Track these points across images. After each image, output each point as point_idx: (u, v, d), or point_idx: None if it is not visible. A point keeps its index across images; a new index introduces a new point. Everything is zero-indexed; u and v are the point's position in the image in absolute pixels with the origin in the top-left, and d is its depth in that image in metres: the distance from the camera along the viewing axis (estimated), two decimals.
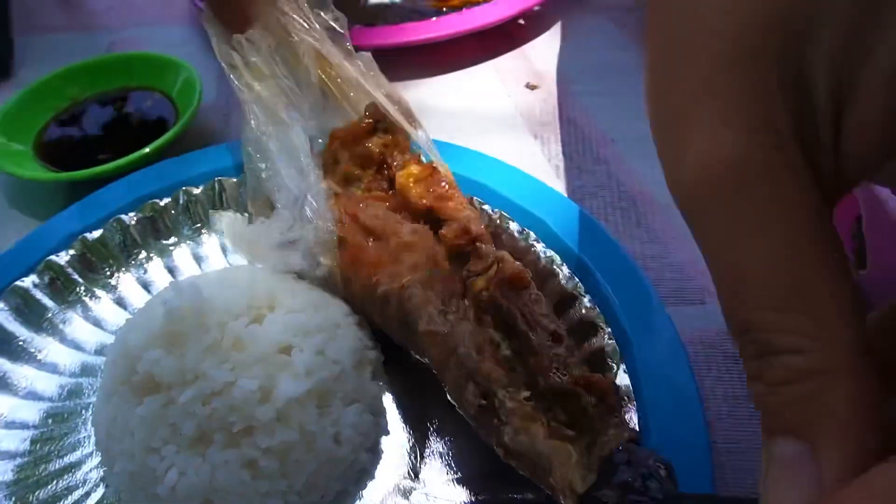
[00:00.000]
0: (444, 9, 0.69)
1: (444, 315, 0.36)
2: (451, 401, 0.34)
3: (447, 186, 0.43)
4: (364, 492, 0.36)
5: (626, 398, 0.36)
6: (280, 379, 0.33)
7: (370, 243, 0.40)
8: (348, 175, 0.48)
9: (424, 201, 0.42)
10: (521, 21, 0.69)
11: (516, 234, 0.44)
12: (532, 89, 0.62)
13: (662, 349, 0.37)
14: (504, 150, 0.54)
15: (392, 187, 0.45)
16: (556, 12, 0.71)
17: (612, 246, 0.43)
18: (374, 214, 0.41)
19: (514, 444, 0.31)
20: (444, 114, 0.59)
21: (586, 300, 0.40)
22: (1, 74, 0.69)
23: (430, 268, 0.38)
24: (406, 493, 0.36)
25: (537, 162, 0.54)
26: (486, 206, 0.46)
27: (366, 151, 0.47)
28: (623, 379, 0.37)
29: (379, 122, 0.48)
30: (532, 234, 0.44)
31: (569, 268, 0.42)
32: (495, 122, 0.59)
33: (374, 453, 0.37)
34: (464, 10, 0.67)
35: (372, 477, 0.36)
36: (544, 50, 0.66)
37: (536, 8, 0.70)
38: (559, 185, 0.52)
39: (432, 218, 0.42)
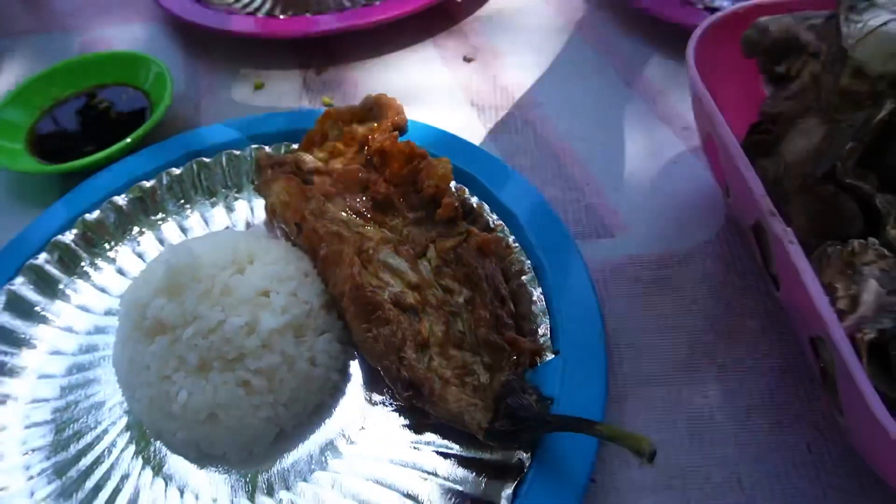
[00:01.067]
0: None
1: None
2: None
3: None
4: (337, 405, 0.45)
5: (541, 313, 0.45)
6: (262, 315, 0.41)
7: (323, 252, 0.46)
8: (334, 150, 0.56)
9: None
10: (459, 0, 0.77)
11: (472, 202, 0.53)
12: (469, 62, 0.69)
13: (571, 273, 0.46)
14: (445, 118, 0.63)
15: (371, 166, 0.53)
16: None
17: (532, 194, 0.51)
18: (329, 220, 0.48)
19: (436, 412, 0.40)
20: (392, 90, 0.66)
21: (511, 239, 0.49)
22: None
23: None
24: (373, 404, 0.45)
25: (474, 126, 0.62)
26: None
27: (353, 130, 0.55)
28: (540, 300, 0.46)
29: (371, 111, 0.57)
30: (465, 189, 0.53)
31: (497, 214, 0.51)
32: (437, 94, 0.66)
33: (344, 374, 0.46)
34: None
35: (343, 393, 0.45)
36: (479, 26, 0.74)
37: None
38: (493, 146, 0.61)
39: (410, 181, 0.51)
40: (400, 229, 0.51)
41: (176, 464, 0.43)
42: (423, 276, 0.48)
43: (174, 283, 0.40)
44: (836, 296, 0.35)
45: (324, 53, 0.71)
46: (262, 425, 0.41)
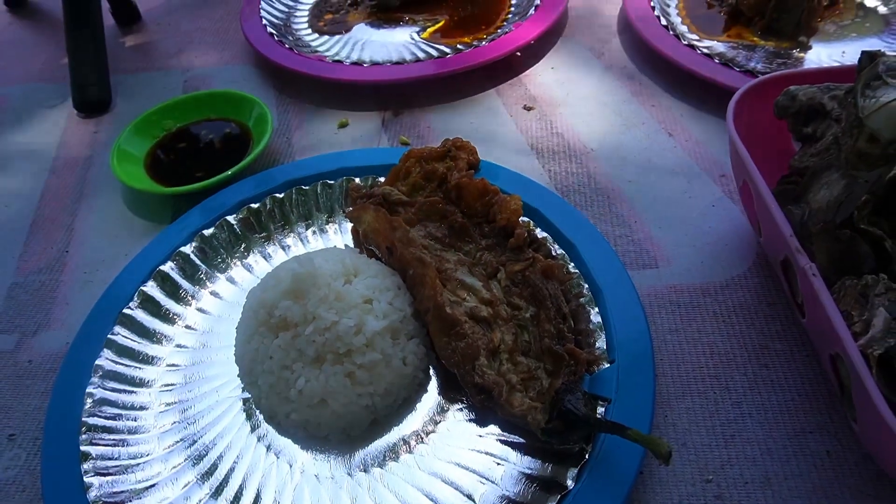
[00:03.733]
0: (458, 45, 0.86)
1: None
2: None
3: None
4: (421, 400, 0.53)
5: (598, 329, 0.53)
6: (367, 319, 0.50)
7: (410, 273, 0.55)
8: (416, 184, 0.65)
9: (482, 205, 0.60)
10: (518, 53, 0.86)
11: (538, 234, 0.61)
12: (528, 110, 0.78)
13: (623, 297, 0.54)
14: (509, 160, 0.72)
15: (448, 199, 0.62)
16: (547, 44, 0.88)
17: (589, 228, 0.59)
18: (415, 246, 0.56)
19: (503, 413, 0.47)
20: (461, 133, 0.75)
21: (571, 266, 0.57)
22: (103, 110, 0.86)
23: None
24: (451, 401, 0.52)
25: (534, 167, 0.71)
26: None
27: (433, 168, 0.64)
28: (596, 317, 0.53)
29: (450, 151, 0.66)
30: (531, 221, 0.61)
31: (559, 244, 0.59)
32: (501, 138, 0.75)
33: (427, 374, 0.54)
34: (472, 47, 0.84)
35: (426, 390, 0.53)
36: (537, 77, 0.83)
37: (531, 41, 0.87)
38: (551, 185, 0.69)
39: (484, 213, 0.60)
40: (474, 253, 0.60)
41: (285, 443, 0.51)
42: (495, 294, 0.56)
43: (298, 288, 0.49)
44: (852, 321, 0.42)
45: (400, 98, 0.81)
46: (362, 412, 0.49)
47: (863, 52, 0.49)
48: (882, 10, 0.85)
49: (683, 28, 0.84)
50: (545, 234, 0.60)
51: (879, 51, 0.49)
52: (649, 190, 0.67)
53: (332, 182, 0.67)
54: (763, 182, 0.49)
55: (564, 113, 0.77)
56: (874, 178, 0.45)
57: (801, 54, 0.80)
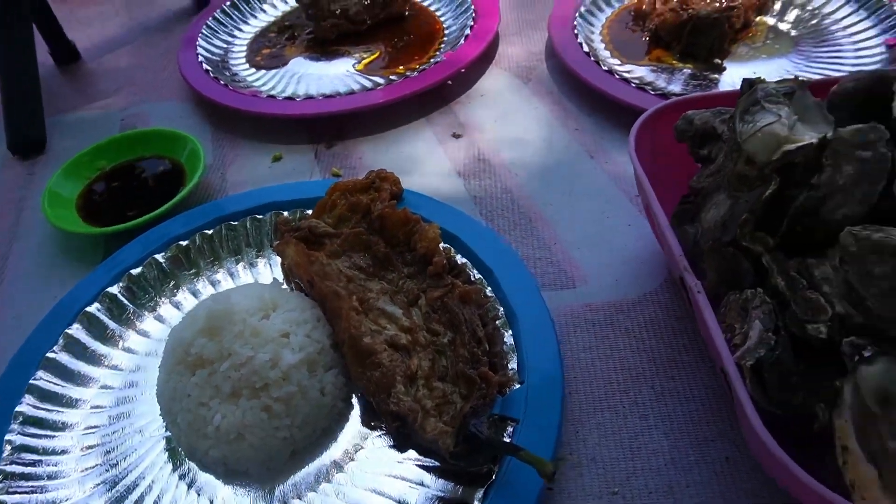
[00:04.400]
0: (392, 76, 0.89)
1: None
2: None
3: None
4: (342, 429, 0.54)
5: (511, 351, 0.54)
6: (283, 353, 0.51)
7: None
8: (341, 216, 0.66)
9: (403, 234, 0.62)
10: (450, 82, 0.89)
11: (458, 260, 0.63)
12: (457, 138, 0.81)
13: (536, 319, 0.56)
14: (436, 187, 0.74)
15: (372, 229, 0.64)
16: (478, 72, 0.90)
17: (507, 252, 0.61)
18: (332, 279, 0.58)
19: (416, 438, 0.49)
20: (391, 163, 0.78)
21: (488, 290, 0.59)
22: (38, 151, 0.86)
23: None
24: (370, 428, 0.54)
25: (461, 193, 0.73)
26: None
27: (357, 200, 0.66)
28: (510, 339, 0.55)
29: (374, 183, 0.68)
30: (451, 248, 0.63)
31: (477, 269, 0.61)
32: (430, 165, 0.77)
33: (348, 403, 0.55)
34: (405, 77, 0.87)
35: (347, 419, 0.54)
36: (467, 104, 0.86)
37: (462, 70, 0.89)
38: (476, 210, 0.71)
39: (406, 242, 0.62)
40: (397, 282, 0.62)
41: (206, 479, 0.51)
42: (415, 321, 0.58)
43: (214, 325, 0.50)
44: (734, 333, 0.45)
45: (334, 130, 0.83)
46: (280, 445, 0.50)
47: (744, 80, 0.52)
48: (792, 32, 0.89)
49: (606, 53, 0.88)
50: (465, 260, 0.62)
51: (759, 78, 0.52)
52: (570, 212, 0.70)
53: (261, 217, 0.69)
54: (657, 204, 0.52)
55: (491, 139, 0.80)
56: (754, 198, 0.47)
57: (717, 76, 0.83)
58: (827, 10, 0.89)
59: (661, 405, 0.53)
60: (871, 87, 0.54)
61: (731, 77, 0.83)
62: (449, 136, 0.81)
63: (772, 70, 0.83)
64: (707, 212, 0.52)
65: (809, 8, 0.91)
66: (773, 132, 0.48)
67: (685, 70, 0.85)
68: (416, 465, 0.50)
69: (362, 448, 0.52)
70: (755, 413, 0.39)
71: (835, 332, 0.43)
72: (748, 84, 0.51)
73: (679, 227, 0.55)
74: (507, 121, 0.82)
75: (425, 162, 0.78)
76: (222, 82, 0.88)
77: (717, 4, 0.86)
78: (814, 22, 0.89)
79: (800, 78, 0.54)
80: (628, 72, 0.84)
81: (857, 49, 0.83)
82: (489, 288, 0.60)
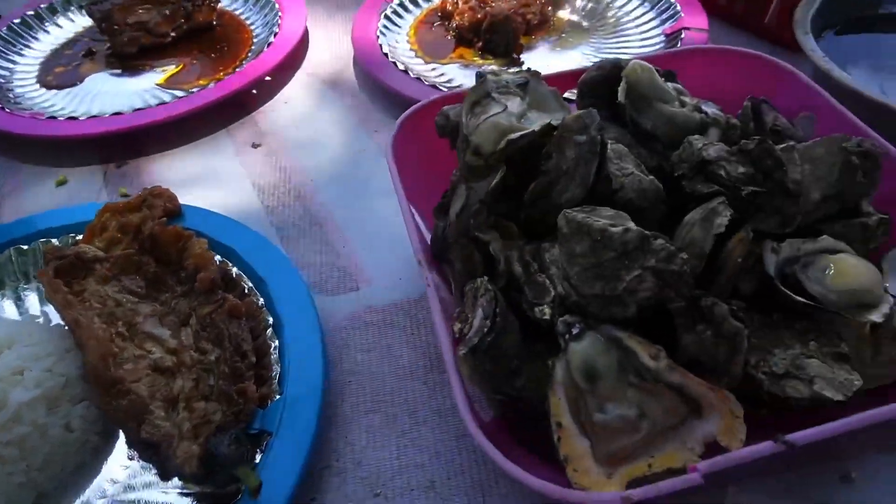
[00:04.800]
0: (194, 89, 0.85)
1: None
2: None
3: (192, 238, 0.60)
4: (103, 463, 0.50)
5: (275, 363, 0.53)
6: (12, 392, 0.47)
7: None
8: (113, 238, 0.63)
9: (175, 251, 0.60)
10: (254, 91, 0.86)
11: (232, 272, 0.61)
12: (256, 147, 0.79)
13: (304, 327, 0.55)
14: (229, 200, 0.72)
15: (144, 250, 0.61)
16: (284, 79, 0.89)
17: (282, 262, 0.60)
18: (80, 308, 0.55)
19: (169, 465, 0.47)
20: (185, 178, 0.75)
21: (261, 301, 0.58)
22: None
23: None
24: (131, 459, 0.51)
25: (254, 205, 0.71)
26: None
27: (128, 220, 0.63)
28: (276, 351, 0.54)
29: (146, 201, 0.64)
30: (228, 261, 0.61)
31: (252, 281, 0.59)
32: (225, 178, 0.75)
33: (108, 436, 0.52)
34: (204, 88, 0.84)
35: (108, 452, 0.51)
36: (270, 113, 0.84)
37: (267, 78, 0.87)
38: (268, 221, 0.69)
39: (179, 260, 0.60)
40: (169, 302, 0.59)
41: None
42: (183, 341, 0.56)
43: None
44: (467, 323, 0.45)
45: (127, 149, 0.79)
46: (18, 490, 0.47)
47: (477, 73, 0.53)
48: (585, 24, 0.93)
49: (411, 53, 0.88)
50: (240, 273, 0.60)
51: (492, 70, 0.54)
52: (362, 214, 0.69)
53: (26, 247, 0.64)
54: (404, 200, 0.52)
55: (291, 146, 0.78)
56: (483, 188, 0.48)
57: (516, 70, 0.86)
58: (617, 2, 0.93)
59: (431, 400, 0.53)
60: (611, 74, 0.57)
61: None
62: (248, 146, 0.79)
63: (566, 61, 0.86)
64: (454, 204, 0.53)
65: (602, 1, 0.95)
66: (496, 122, 0.49)
67: (487, 66, 0.86)
68: (179, 494, 0.48)
69: (126, 479, 0.49)
70: (465, 402, 0.40)
71: (556, 313, 0.44)
72: (479, 77, 0.52)
73: (436, 222, 0.55)
74: (308, 127, 0.81)
75: (221, 174, 0.75)
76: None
77: (514, 2, 0.89)
78: (604, 14, 0.93)
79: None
80: (433, 70, 0.85)
81: (642, 38, 0.87)
82: (262, 299, 0.58)
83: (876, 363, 0.46)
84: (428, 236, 0.56)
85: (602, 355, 0.41)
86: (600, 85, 0.57)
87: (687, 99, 0.56)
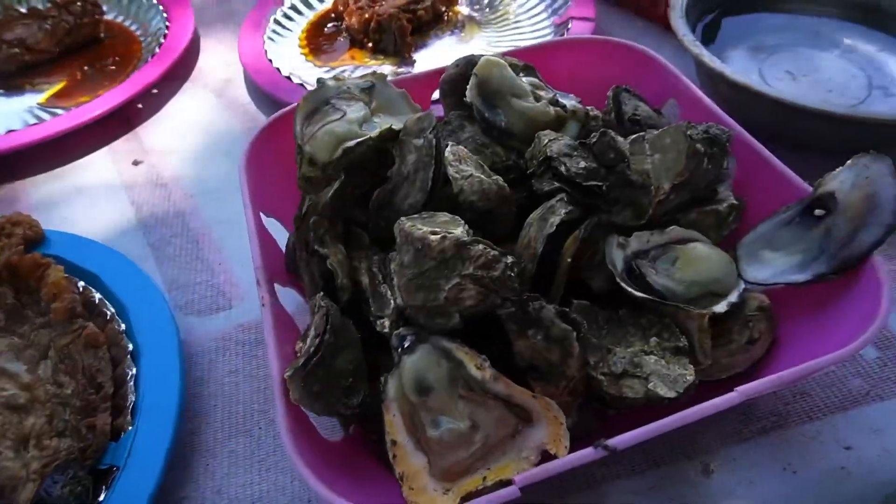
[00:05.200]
0: (74, 106, 0.82)
1: None
2: None
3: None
4: None
5: (131, 393, 0.51)
6: None
7: None
8: None
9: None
10: (140, 105, 0.84)
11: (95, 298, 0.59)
12: (137, 165, 0.76)
13: (163, 352, 0.53)
14: (107, 220, 0.69)
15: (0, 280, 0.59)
16: (172, 91, 0.86)
17: (147, 285, 0.58)
18: None
19: None
20: (62, 202, 0.72)
21: (122, 327, 0.56)
22: None
23: None
24: None
25: (130, 224, 0.69)
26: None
27: None
28: (131, 379, 0.52)
29: (3, 229, 0.62)
30: (91, 288, 0.59)
31: (114, 307, 0.57)
32: (104, 199, 0.72)
33: None
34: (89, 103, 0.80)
35: None
36: (156, 127, 0.81)
37: (154, 91, 0.84)
38: (144, 241, 0.67)
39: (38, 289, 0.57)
40: (28, 335, 0.56)
41: None
42: (39, 375, 0.53)
43: None
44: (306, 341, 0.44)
45: (0, 172, 0.76)
46: None
47: (318, 79, 0.52)
48: (479, 17, 0.91)
49: (301, 58, 0.86)
50: (103, 299, 0.58)
51: (335, 76, 0.52)
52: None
53: None
54: (251, 214, 0.50)
55: (174, 161, 0.76)
56: (321, 200, 0.47)
57: (408, 69, 0.84)
58: None
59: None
60: (467, 71, 0.56)
61: (423, 68, 0.83)
62: (130, 163, 0.76)
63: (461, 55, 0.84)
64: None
65: None
66: (332, 130, 0.47)
67: (385, 66, 0.85)
68: None
69: None
70: (287, 427, 0.38)
71: (395, 326, 0.43)
72: (319, 83, 0.51)
73: (289, 234, 0.54)
74: (192, 140, 0.79)
75: (99, 195, 0.73)
76: None
77: (402, 1, 0.87)
78: (498, 6, 0.92)
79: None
80: (325, 73, 0.83)
81: (533, 30, 0.86)
82: (123, 325, 0.56)
83: (727, 352, 0.45)
84: None
85: (433, 368, 0.40)
86: (459, 83, 0.56)
87: (543, 93, 0.55)
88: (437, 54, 0.86)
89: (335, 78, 0.52)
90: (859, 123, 0.59)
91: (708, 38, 0.78)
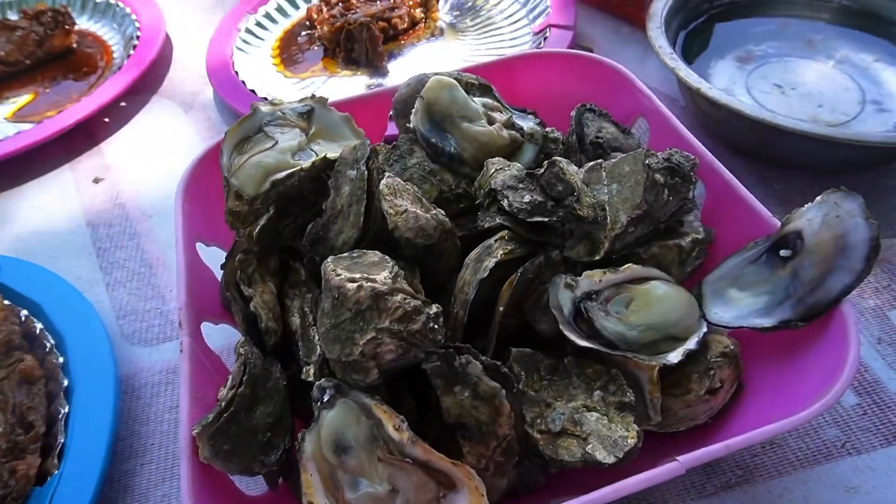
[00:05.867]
0: (43, 120, 0.80)
1: None
2: None
3: None
4: None
5: (61, 432, 0.49)
6: None
7: None
8: None
9: None
10: (106, 119, 0.81)
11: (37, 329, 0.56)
12: (97, 182, 0.74)
13: (98, 388, 0.50)
14: (61, 241, 0.67)
15: None
16: (138, 105, 0.84)
17: (89, 316, 0.56)
18: None
19: None
20: (15, 224, 0.70)
21: (61, 360, 0.53)
22: None
23: None
24: None
25: (85, 245, 0.67)
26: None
27: None
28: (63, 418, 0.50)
29: None
30: (33, 318, 0.57)
31: (54, 339, 0.55)
32: (59, 219, 0.70)
33: None
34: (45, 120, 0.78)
35: None
36: (119, 142, 0.79)
37: (122, 104, 0.82)
38: (96, 264, 0.65)
39: None
40: None
41: None
42: None
43: None
44: None
45: None
46: None
47: (252, 104, 0.49)
48: (458, 25, 0.88)
49: (271, 69, 0.83)
50: (44, 329, 0.56)
51: (270, 100, 0.49)
52: None
53: None
54: (181, 249, 0.48)
55: (135, 179, 0.74)
56: (246, 236, 0.44)
57: (381, 79, 0.81)
58: (491, 1, 0.88)
59: None
60: (418, 91, 0.53)
61: (398, 78, 0.80)
62: (90, 181, 0.74)
63: (438, 64, 0.81)
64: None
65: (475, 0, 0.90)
66: (259, 161, 0.44)
67: (359, 77, 0.81)
68: None
69: None
70: (188, 488, 0.36)
71: (319, 374, 0.40)
72: (252, 109, 0.48)
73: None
74: (155, 157, 0.76)
75: (56, 215, 0.71)
76: None
77: (379, 5, 0.84)
78: (478, 13, 0.88)
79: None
80: (295, 85, 0.80)
81: (513, 37, 0.83)
82: (61, 359, 0.54)
83: (684, 402, 0.42)
84: None
85: (352, 425, 0.37)
86: (411, 103, 0.53)
87: (498, 115, 0.52)
88: (412, 63, 0.83)
89: (270, 102, 0.49)
90: (844, 145, 0.54)
91: (701, 45, 0.73)
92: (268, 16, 0.90)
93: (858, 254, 0.39)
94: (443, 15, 0.89)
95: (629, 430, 0.37)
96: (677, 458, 0.34)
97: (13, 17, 0.93)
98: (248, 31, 0.87)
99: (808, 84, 0.68)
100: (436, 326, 0.36)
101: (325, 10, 0.85)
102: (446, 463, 0.35)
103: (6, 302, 0.57)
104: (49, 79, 0.88)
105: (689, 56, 0.71)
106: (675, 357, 0.40)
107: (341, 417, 0.37)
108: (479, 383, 0.36)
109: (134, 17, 0.92)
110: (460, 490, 0.35)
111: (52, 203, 0.72)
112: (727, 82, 0.70)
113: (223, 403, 0.38)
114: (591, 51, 0.81)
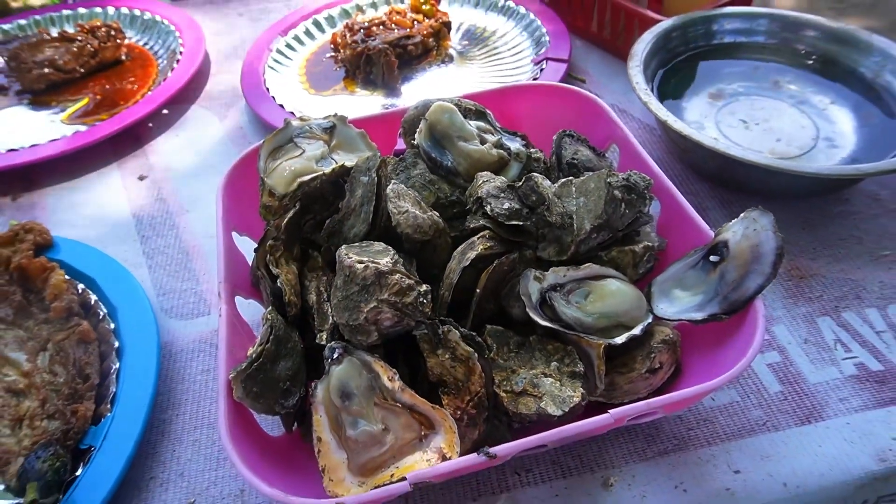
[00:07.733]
0: (95, 123, 0.91)
1: None
2: None
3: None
4: None
5: (112, 384, 0.59)
6: None
7: None
8: None
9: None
10: (150, 124, 0.92)
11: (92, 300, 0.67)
12: (142, 179, 0.84)
13: (144, 350, 0.60)
14: (110, 229, 0.77)
15: (13, 281, 0.67)
16: (179, 112, 0.94)
17: (135, 290, 0.66)
18: None
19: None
20: (73, 211, 0.80)
21: (112, 326, 0.63)
22: None
23: None
24: None
25: (130, 235, 0.77)
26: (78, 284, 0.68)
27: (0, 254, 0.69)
28: (114, 373, 0.59)
29: (17, 235, 0.70)
30: (89, 290, 0.67)
31: (107, 308, 0.65)
32: (109, 210, 0.80)
33: None
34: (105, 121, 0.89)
35: None
36: (161, 145, 0.89)
37: (165, 112, 0.93)
38: (140, 250, 0.75)
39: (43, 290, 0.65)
40: (32, 328, 0.65)
41: None
42: (37, 365, 0.61)
43: None
44: None
45: (23, 182, 0.85)
46: None
47: (285, 119, 0.59)
48: (467, 53, 0.98)
49: (298, 86, 0.94)
50: (98, 300, 0.66)
51: (300, 116, 0.59)
52: None
53: None
54: (222, 233, 0.57)
55: (173, 178, 0.84)
56: (279, 226, 0.54)
57: (395, 100, 0.91)
58: (498, 32, 0.99)
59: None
60: (423, 113, 0.62)
61: (411, 98, 0.90)
62: (136, 178, 0.85)
63: (447, 88, 0.91)
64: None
65: (480, 27, 1.00)
66: (289, 167, 0.54)
67: (376, 97, 0.92)
68: None
69: None
70: (226, 426, 0.45)
71: (330, 339, 0.50)
72: (285, 123, 0.58)
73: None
74: (194, 159, 0.87)
75: (106, 206, 0.81)
76: None
77: (396, 34, 0.94)
78: (486, 42, 0.99)
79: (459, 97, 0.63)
80: (318, 100, 0.91)
81: (515, 66, 0.93)
82: (113, 324, 0.64)
83: (628, 379, 0.51)
84: None
85: (355, 377, 0.46)
86: (417, 123, 0.63)
87: (490, 136, 0.61)
88: (423, 86, 0.93)
89: (300, 118, 0.59)
90: (786, 174, 0.64)
91: (678, 82, 0.83)
92: (297, 38, 1.01)
93: (768, 260, 0.48)
94: (454, 43, 1.00)
95: (575, 392, 0.46)
96: (609, 411, 0.43)
97: (70, 30, 1.05)
98: (279, 51, 0.98)
99: (771, 120, 0.78)
100: (424, 301, 0.46)
101: (348, 35, 0.96)
102: (427, 407, 0.44)
103: (66, 277, 0.67)
104: (101, 86, 0.99)
105: (666, 91, 0.81)
106: (620, 339, 0.49)
107: (347, 371, 0.47)
108: (457, 347, 0.46)
109: (177, 33, 1.03)
110: (438, 431, 0.45)
111: (103, 196, 0.83)
112: (699, 116, 0.79)
113: (253, 355, 0.47)
114: (584, 82, 0.91)
